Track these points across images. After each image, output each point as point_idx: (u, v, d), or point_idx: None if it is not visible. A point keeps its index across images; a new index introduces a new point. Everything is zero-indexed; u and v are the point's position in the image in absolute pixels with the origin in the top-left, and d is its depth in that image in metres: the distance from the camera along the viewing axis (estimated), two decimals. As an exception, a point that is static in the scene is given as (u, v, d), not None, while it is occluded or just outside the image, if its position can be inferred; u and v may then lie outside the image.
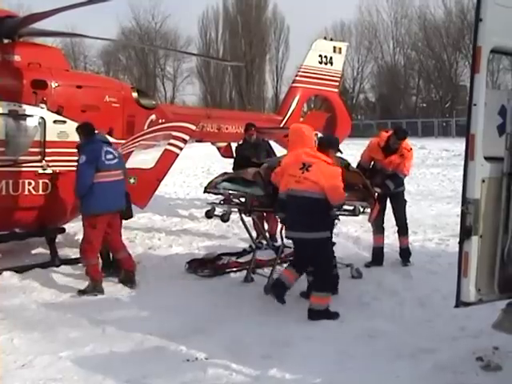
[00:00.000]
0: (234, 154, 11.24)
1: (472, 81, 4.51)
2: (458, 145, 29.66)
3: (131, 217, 9.22)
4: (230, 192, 7.97)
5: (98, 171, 8.03)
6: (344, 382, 5.23)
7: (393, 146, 9.14)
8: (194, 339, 6.20)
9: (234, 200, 8.19)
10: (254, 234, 9.34)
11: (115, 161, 8.29)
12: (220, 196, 8.32)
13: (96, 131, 8.49)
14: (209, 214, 8.10)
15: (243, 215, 8.56)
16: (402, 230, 9.53)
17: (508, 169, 4.72)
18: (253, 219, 9.00)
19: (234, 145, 14.25)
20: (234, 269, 9.07)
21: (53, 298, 7.90)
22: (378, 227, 9.38)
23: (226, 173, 8.75)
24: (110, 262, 8.95)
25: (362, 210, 7.64)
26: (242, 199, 8.06)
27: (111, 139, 9.94)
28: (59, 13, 9.03)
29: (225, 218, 8.02)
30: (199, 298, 7.78)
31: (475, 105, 4.46)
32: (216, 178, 8.40)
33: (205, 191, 8.42)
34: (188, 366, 5.61)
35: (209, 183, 8.33)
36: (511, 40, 4.64)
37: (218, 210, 8.18)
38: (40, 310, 7.45)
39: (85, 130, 8.47)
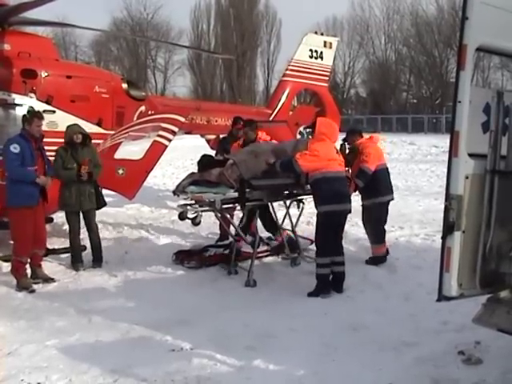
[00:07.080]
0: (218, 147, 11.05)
1: (457, 78, 4.55)
2: (448, 141, 29.62)
3: (104, 205, 9.22)
4: (197, 195, 7.83)
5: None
6: (327, 374, 5.29)
7: None
8: (180, 330, 6.25)
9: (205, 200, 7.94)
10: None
11: None
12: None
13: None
14: (182, 217, 7.81)
15: (217, 214, 8.38)
16: None
17: (491, 166, 4.76)
18: (222, 217, 8.76)
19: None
20: (221, 261, 9.09)
21: (39, 287, 7.92)
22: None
23: (193, 173, 8.47)
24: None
25: None
26: (212, 199, 7.82)
27: (100, 130, 9.98)
28: (50, 2, 9.01)
29: (196, 221, 7.83)
30: (185, 290, 7.81)
31: (460, 102, 4.49)
32: (183, 180, 8.19)
33: (174, 194, 8.25)
34: (173, 356, 5.67)
35: (177, 186, 8.17)
36: (497, 38, 4.68)
37: (191, 212, 8.05)
38: (27, 299, 7.50)
39: None
